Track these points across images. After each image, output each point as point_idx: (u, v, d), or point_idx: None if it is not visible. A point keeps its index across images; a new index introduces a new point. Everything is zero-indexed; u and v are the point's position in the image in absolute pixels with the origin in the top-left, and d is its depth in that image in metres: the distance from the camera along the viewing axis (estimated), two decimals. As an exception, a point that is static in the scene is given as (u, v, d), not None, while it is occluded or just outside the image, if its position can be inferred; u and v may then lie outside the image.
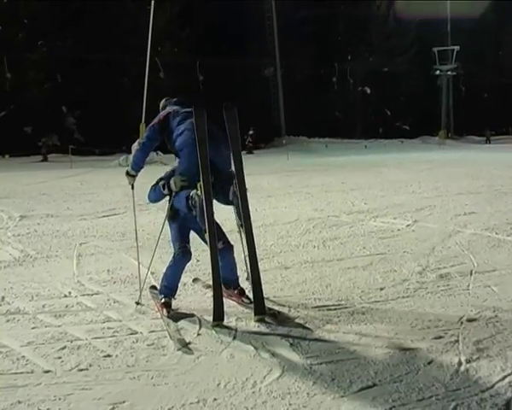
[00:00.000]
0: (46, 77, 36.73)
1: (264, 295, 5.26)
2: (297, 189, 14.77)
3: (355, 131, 47.55)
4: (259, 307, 5.05)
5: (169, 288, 5.47)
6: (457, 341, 4.57)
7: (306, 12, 43.72)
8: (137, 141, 4.85)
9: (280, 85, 44.84)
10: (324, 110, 44.16)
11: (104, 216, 11.43)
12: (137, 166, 5.73)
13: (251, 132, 36.71)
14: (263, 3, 43.90)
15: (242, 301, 5.56)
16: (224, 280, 5.30)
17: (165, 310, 5.29)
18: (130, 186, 5.88)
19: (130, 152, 26.44)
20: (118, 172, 22.69)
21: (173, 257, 5.46)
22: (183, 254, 5.43)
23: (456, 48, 50.14)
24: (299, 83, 45.34)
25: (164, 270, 5.58)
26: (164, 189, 5.53)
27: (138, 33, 31.59)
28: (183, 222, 5.58)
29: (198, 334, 4.83)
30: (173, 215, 5.60)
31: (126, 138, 28.19)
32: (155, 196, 5.75)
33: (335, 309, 5.35)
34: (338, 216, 10.44)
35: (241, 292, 5.65)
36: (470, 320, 5.03)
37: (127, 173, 5.76)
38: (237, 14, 38.61)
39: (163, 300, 5.42)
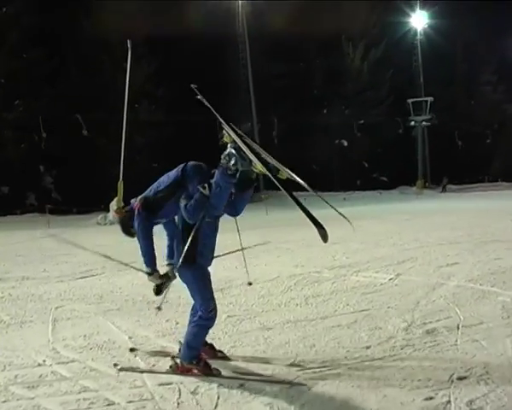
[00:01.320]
0: (23, 136, 36.73)
1: (246, 358, 5.09)
2: (277, 244, 14.59)
3: (333, 184, 47.69)
4: None
5: (198, 350, 5.25)
6: (449, 401, 4.42)
7: (281, 67, 44.26)
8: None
9: (257, 140, 45.04)
10: (301, 163, 44.31)
11: (81, 277, 11.17)
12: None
13: None
14: (238, 59, 44.39)
15: (217, 354, 5.55)
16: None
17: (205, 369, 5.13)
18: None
19: (108, 210, 26.30)
20: (96, 230, 22.53)
21: (206, 317, 5.07)
22: (216, 312, 5.15)
23: (430, 99, 51.01)
24: (276, 137, 45.63)
25: (191, 331, 5.20)
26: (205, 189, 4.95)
27: (115, 91, 31.67)
28: (207, 276, 5.27)
29: (178, 403, 4.61)
30: (201, 270, 5.21)
31: (104, 197, 27.93)
32: (198, 205, 4.99)
33: (321, 371, 5.17)
34: (319, 272, 10.28)
35: (212, 347, 5.62)
36: (461, 378, 4.89)
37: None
38: (213, 68, 38.96)
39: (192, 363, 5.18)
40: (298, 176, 5.36)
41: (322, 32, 46.11)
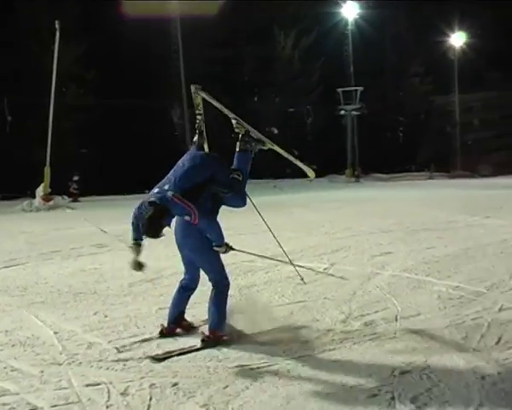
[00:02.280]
0: None
1: (179, 357, 4.81)
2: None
3: (263, 172, 47.62)
4: None
5: (225, 317, 5.73)
6: (393, 398, 4.26)
7: (213, 53, 43.84)
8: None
9: (187, 128, 44.45)
10: (232, 151, 44.14)
11: (4, 267, 10.55)
12: None
13: (75, 178, 32.08)
14: (169, 44, 43.57)
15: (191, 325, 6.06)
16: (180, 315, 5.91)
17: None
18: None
19: (34, 196, 25.46)
20: (21, 217, 21.65)
21: (222, 291, 5.74)
22: (229, 285, 5.84)
23: (360, 88, 51.50)
24: (207, 124, 45.18)
25: (215, 306, 5.67)
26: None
27: (43, 75, 30.62)
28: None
29: (107, 406, 4.28)
30: (210, 244, 5.67)
31: (30, 183, 27.13)
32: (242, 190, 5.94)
33: (258, 368, 4.92)
34: (252, 261, 10.01)
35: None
36: (403, 373, 4.75)
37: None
38: (143, 55, 38.28)
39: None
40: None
41: (254, 19, 46.03)
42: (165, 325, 5.93)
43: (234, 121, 6.33)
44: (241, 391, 4.45)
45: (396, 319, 6.27)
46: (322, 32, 50.81)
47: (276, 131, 49.41)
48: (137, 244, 5.82)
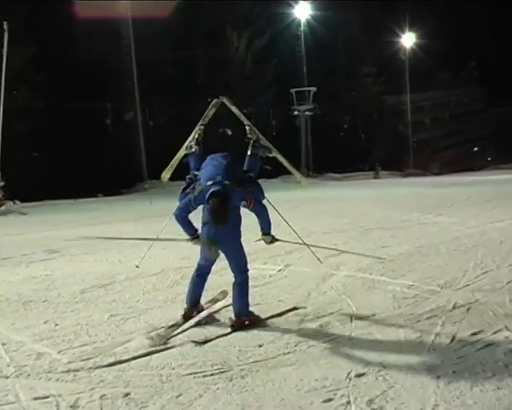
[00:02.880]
0: None
1: (131, 364, 4.67)
2: (162, 236, 14.10)
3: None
4: None
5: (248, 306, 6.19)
6: (349, 402, 4.20)
7: (166, 54, 43.52)
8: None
9: (141, 129, 44.03)
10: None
11: None
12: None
13: (1, 184, 27.69)
14: (122, 45, 43.04)
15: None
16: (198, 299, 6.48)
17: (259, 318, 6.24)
18: None
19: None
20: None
21: (246, 280, 6.19)
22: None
23: (313, 89, 51.73)
24: (161, 126, 44.85)
25: (240, 294, 6.12)
26: None
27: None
28: None
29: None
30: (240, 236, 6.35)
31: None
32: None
33: (212, 375, 4.80)
34: (207, 264, 9.91)
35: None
36: (359, 375, 4.69)
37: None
38: (95, 57, 37.77)
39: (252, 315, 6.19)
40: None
41: (207, 20, 45.81)
42: (186, 308, 6.43)
43: (247, 128, 7.20)
44: (195, 399, 4.33)
45: (351, 320, 6.22)
46: (275, 33, 50.93)
47: (229, 133, 49.30)
48: (196, 237, 6.34)
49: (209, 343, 5.64)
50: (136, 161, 43.85)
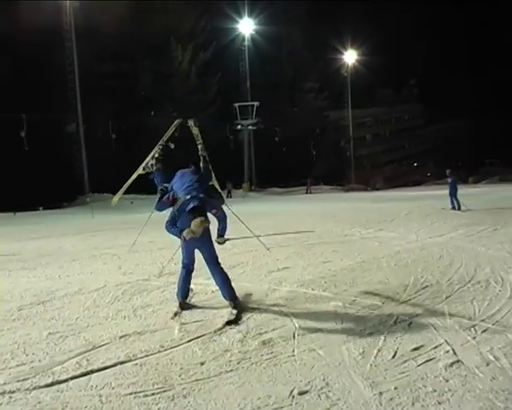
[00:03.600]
0: None
1: (69, 385, 4.50)
2: (103, 250, 13.86)
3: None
4: None
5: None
6: (291, 421, 4.12)
7: (110, 67, 43.08)
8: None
9: (83, 142, 43.35)
10: (129, 166, 43.30)
11: None
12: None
13: None
14: (64, 56, 42.33)
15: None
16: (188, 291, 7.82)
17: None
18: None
19: None
20: None
21: (221, 266, 7.55)
22: None
23: (256, 103, 51.98)
24: (102, 139, 44.23)
25: (223, 279, 7.49)
26: None
27: None
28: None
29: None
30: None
31: None
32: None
33: (153, 394, 4.69)
34: (148, 280, 9.75)
35: None
36: (301, 393, 4.68)
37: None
38: (37, 66, 37.12)
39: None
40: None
41: (151, 33, 45.52)
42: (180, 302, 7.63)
43: (200, 146, 9.61)
44: (134, 421, 4.21)
45: (294, 337, 6.18)
46: (219, 47, 51.15)
47: (172, 146, 48.89)
48: (192, 230, 6.89)
49: (149, 361, 5.52)
50: (77, 174, 43.21)
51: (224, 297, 7.51)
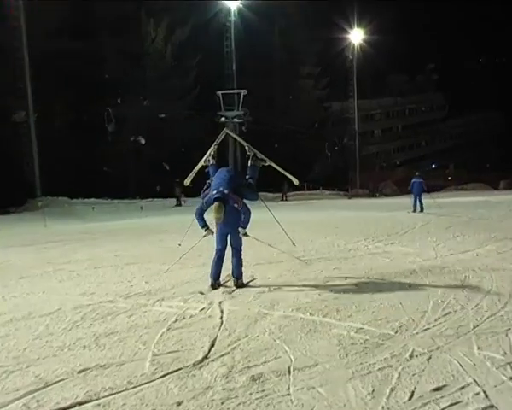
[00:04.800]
0: None
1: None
2: (58, 266, 13.81)
3: (128, 190, 46.93)
4: None
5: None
6: None
7: (64, 44, 42.80)
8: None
9: (34, 134, 43.02)
10: (90, 164, 43.20)
11: None
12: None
13: None
14: (12, 33, 41.96)
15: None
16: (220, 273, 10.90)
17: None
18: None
19: None
20: None
21: (241, 253, 10.89)
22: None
23: (243, 91, 51.74)
24: (58, 131, 44.09)
25: (238, 262, 10.77)
26: None
27: None
28: None
29: None
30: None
31: None
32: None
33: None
34: (113, 301, 9.70)
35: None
36: (298, 441, 4.60)
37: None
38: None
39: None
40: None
41: (117, 4, 45.30)
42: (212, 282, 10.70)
43: (246, 147, 11.82)
44: None
45: (289, 371, 6.16)
46: (199, 23, 50.90)
47: (143, 142, 48.84)
48: (207, 228, 10.74)
49: (115, 401, 5.47)
50: (27, 173, 42.83)
51: (232, 273, 10.82)
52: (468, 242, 15.88)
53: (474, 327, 7.62)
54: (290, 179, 12.90)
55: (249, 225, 10.39)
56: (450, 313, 8.38)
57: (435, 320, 8.00)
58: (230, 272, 10.90)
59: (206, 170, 11.72)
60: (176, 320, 8.30)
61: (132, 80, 47.64)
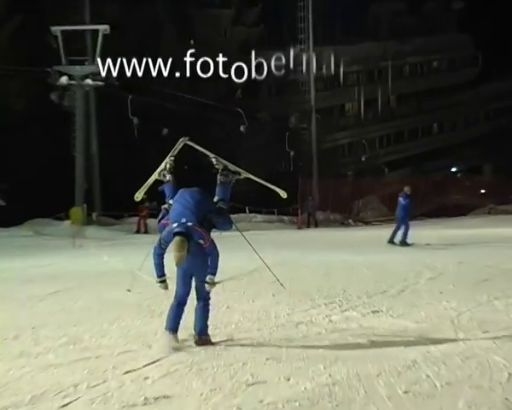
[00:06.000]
0: None
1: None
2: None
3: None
4: None
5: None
6: None
7: None
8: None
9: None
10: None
11: None
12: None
13: None
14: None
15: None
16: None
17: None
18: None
19: None
20: None
21: (208, 304, 13.36)
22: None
23: (103, 28, 51.93)
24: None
25: (204, 313, 13.21)
26: None
27: None
28: None
29: None
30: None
31: None
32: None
33: None
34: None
35: None
36: None
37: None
38: None
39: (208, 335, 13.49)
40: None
41: None
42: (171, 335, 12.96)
43: (214, 160, 14.27)
44: None
45: None
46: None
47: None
48: (163, 281, 13.04)
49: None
50: None
51: (194, 328, 13.22)
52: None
53: None
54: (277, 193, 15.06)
55: (217, 267, 12.72)
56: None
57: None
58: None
59: (161, 188, 14.11)
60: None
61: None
